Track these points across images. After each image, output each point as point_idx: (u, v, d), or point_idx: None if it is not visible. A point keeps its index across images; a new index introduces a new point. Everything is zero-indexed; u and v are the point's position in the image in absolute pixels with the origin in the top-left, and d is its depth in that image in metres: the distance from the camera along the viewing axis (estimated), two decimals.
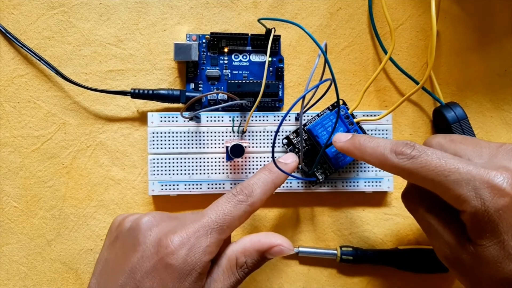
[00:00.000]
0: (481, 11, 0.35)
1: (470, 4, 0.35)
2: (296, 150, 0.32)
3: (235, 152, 0.30)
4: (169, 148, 0.32)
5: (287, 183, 0.33)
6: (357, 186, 0.33)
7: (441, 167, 0.22)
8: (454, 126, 0.32)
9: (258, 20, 0.32)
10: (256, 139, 0.33)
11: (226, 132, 0.32)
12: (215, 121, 0.32)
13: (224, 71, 0.33)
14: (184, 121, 0.32)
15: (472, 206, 0.21)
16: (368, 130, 0.33)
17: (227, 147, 0.30)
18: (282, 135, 0.33)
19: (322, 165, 0.33)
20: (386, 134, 0.33)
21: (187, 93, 0.32)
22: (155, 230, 0.24)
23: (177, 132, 0.32)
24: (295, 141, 0.32)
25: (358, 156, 0.27)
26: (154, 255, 0.23)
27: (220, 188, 0.32)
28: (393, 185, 0.33)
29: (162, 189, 0.32)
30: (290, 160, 0.29)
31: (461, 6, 0.35)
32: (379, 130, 0.33)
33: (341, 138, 0.28)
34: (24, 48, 0.32)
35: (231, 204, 0.25)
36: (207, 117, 0.32)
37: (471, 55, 0.35)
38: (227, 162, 0.32)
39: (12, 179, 0.32)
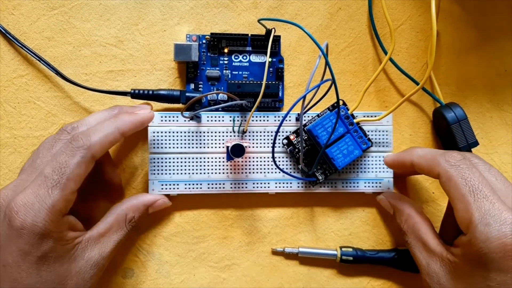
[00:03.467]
0: (481, 11, 0.35)
1: (470, 4, 0.35)
2: (296, 150, 0.32)
3: (236, 152, 0.30)
4: (170, 147, 0.32)
5: (287, 183, 0.33)
6: (357, 186, 0.33)
7: (478, 190, 0.24)
8: (454, 126, 0.32)
9: (258, 21, 0.32)
10: (257, 139, 0.33)
11: (227, 132, 0.32)
12: (215, 121, 0.32)
13: (224, 71, 0.33)
14: (185, 120, 0.32)
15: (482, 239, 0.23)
16: (368, 131, 0.33)
17: (227, 147, 0.30)
18: (282, 135, 0.33)
19: (322, 165, 0.33)
20: (386, 134, 0.33)
21: (187, 94, 0.32)
22: (3, 195, 0.25)
23: (177, 132, 0.32)
24: (295, 142, 0.32)
25: (407, 160, 0.29)
26: (4, 223, 0.23)
27: (220, 187, 0.32)
28: (393, 185, 0.33)
29: (162, 189, 0.32)
30: (142, 110, 0.30)
31: (461, 6, 0.35)
32: (379, 131, 0.33)
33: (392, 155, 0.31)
34: (24, 48, 0.32)
35: (66, 153, 0.24)
36: (208, 117, 0.32)
37: (471, 55, 0.35)
38: (227, 162, 0.32)
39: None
